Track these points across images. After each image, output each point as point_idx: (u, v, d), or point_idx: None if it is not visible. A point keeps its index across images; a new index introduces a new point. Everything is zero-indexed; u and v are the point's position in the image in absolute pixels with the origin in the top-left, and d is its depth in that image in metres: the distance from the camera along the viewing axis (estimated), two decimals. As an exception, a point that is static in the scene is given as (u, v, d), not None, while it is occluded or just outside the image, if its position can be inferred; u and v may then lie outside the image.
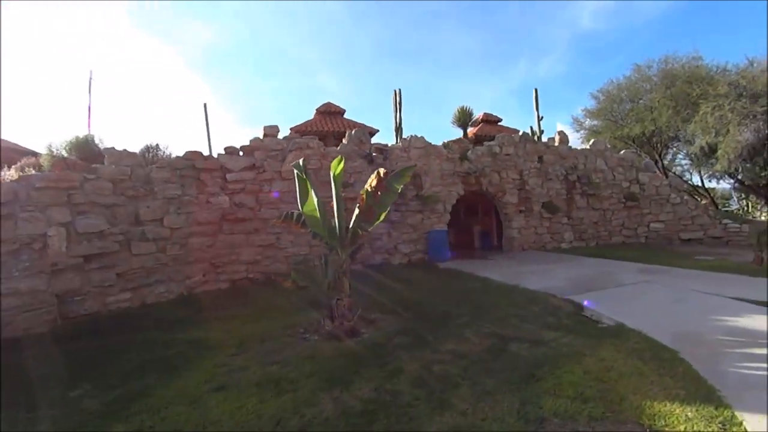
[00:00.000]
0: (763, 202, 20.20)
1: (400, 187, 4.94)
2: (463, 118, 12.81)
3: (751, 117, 14.21)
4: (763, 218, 17.13)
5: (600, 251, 11.02)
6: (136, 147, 13.24)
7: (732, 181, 20.87)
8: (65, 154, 11.08)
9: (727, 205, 28.37)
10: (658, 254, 10.68)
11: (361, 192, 4.39)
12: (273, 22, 49.04)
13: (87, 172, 7.32)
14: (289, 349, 4.43)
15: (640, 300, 5.31)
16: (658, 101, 17.44)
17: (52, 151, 11.31)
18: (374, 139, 15.12)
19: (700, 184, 22.63)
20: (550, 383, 3.00)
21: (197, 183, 8.61)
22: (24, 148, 13.26)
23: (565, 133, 13.14)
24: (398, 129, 12.13)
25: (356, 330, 4.93)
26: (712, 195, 25.15)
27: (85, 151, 10.90)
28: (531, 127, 13.60)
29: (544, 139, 13.49)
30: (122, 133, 46.20)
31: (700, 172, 19.88)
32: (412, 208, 10.50)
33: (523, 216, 11.85)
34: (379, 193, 4.31)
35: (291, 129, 14.04)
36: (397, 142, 11.46)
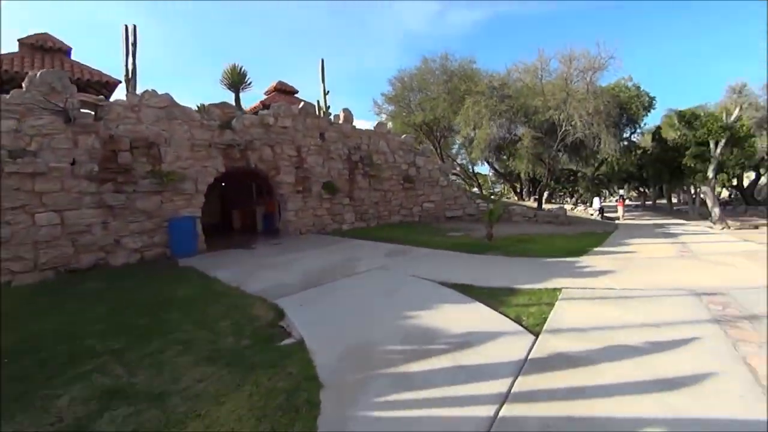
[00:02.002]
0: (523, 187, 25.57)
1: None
2: (234, 79, 10.71)
3: (498, 114, 17.18)
4: (529, 202, 21.41)
5: (374, 231, 11.09)
6: None
7: (489, 168, 25.79)
8: None
9: (493, 188, 35.63)
10: (423, 231, 11.47)
11: None
12: None
13: None
14: None
15: (353, 295, 4.71)
16: (438, 93, 19.50)
17: None
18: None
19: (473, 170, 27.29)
20: None
21: None
22: None
23: (350, 111, 12.72)
24: (129, 79, 9.07)
25: None
26: (480, 180, 30.85)
27: None
28: (318, 101, 12.69)
29: (331, 116, 12.81)
30: None
31: (469, 159, 23.77)
32: (145, 188, 7.95)
33: (301, 197, 10.85)
34: None
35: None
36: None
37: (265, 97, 15.87)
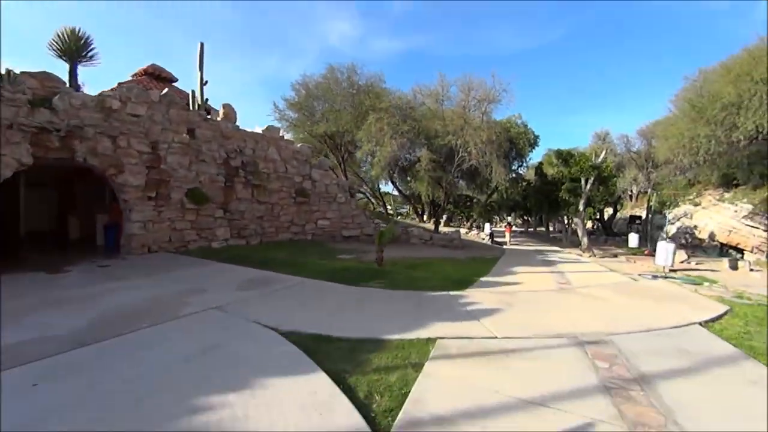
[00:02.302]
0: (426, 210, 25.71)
1: None
2: (72, 46, 8.22)
3: (400, 133, 16.91)
4: (429, 224, 21.30)
5: (251, 252, 9.39)
6: None
7: (393, 189, 25.68)
8: None
9: (398, 209, 35.87)
10: (311, 252, 10.12)
11: None
12: None
13: None
14: None
15: (142, 359, 3.08)
16: (343, 105, 18.65)
17: None
18: None
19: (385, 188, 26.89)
20: None
21: None
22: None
23: (232, 107, 10.94)
24: None
25: None
26: (385, 199, 30.75)
27: None
28: (192, 91, 10.64)
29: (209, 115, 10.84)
30: None
31: (370, 176, 23.24)
32: None
33: (153, 205, 8.65)
34: None
35: None
36: None
37: (130, 79, 13.07)
